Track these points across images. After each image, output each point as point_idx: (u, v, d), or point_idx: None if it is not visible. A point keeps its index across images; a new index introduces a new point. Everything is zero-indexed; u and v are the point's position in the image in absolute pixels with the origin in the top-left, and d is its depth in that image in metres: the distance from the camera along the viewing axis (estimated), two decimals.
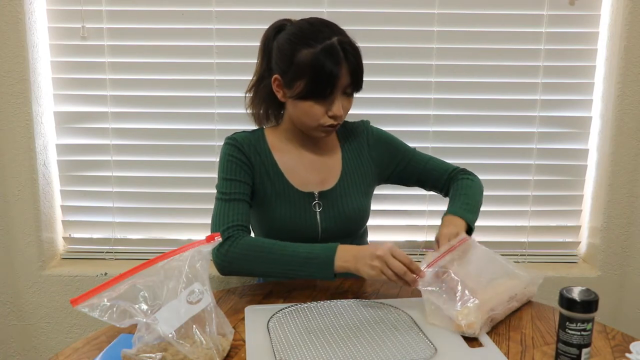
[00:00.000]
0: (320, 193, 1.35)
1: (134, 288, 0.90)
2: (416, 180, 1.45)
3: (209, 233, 1.11)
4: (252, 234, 1.37)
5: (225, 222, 1.24)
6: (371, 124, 1.45)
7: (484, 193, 1.41)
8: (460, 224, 1.26)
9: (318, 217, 1.34)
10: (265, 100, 1.36)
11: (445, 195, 1.43)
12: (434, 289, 1.10)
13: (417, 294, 1.14)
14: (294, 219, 1.33)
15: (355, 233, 1.42)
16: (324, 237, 1.35)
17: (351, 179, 1.38)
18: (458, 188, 1.37)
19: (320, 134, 1.31)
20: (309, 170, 1.37)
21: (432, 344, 0.99)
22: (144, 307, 0.90)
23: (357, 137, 1.42)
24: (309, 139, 1.37)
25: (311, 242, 1.34)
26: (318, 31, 1.24)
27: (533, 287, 1.21)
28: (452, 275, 1.11)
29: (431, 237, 1.27)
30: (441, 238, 1.22)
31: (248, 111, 1.40)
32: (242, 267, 1.20)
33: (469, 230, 1.27)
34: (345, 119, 1.41)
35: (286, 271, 1.19)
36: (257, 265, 1.20)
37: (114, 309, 0.87)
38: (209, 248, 1.00)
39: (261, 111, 1.39)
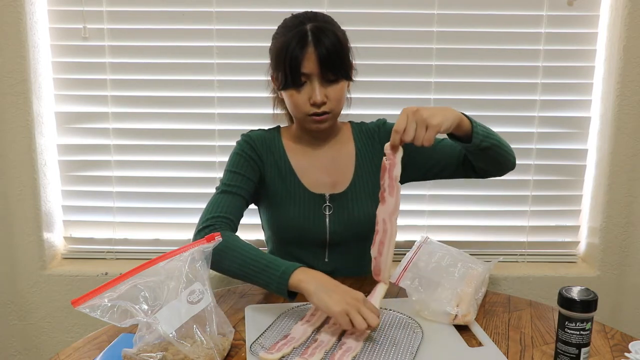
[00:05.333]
0: (331, 196, 1.34)
1: (135, 288, 0.90)
2: (436, 165, 1.35)
3: None
4: (236, 230, 1.28)
5: (212, 212, 1.23)
6: (388, 121, 1.41)
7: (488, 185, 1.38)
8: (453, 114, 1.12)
9: (327, 220, 1.33)
10: (281, 100, 1.37)
11: (475, 172, 1.33)
12: (418, 286, 1.13)
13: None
14: (303, 220, 1.33)
15: (365, 238, 1.35)
16: (332, 240, 1.35)
17: (364, 182, 1.36)
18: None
19: (312, 126, 1.28)
20: (321, 171, 1.36)
21: (420, 326, 1.03)
22: (145, 307, 0.90)
23: (372, 136, 1.39)
24: (320, 137, 1.36)
25: (319, 244, 1.36)
26: (298, 21, 1.24)
27: (488, 273, 1.26)
28: (429, 276, 1.15)
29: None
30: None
31: (276, 111, 1.41)
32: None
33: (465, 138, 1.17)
34: (363, 121, 1.43)
35: (245, 273, 1.12)
36: (222, 260, 1.12)
37: (115, 309, 0.87)
38: (209, 248, 1.01)
39: (285, 111, 1.40)
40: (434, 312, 1.09)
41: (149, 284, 0.92)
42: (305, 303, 1.17)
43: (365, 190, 1.36)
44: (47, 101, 1.72)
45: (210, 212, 1.23)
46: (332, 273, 1.36)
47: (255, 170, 1.32)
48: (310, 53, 1.19)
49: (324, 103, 1.23)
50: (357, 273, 1.40)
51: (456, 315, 1.07)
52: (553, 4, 1.68)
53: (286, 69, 1.21)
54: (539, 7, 1.68)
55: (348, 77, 1.27)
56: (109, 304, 0.87)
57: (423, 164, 1.37)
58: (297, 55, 1.19)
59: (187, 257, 0.97)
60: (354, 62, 1.30)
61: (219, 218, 1.22)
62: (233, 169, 1.31)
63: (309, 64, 1.20)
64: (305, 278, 1.06)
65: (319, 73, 1.21)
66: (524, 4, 1.68)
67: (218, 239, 1.02)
